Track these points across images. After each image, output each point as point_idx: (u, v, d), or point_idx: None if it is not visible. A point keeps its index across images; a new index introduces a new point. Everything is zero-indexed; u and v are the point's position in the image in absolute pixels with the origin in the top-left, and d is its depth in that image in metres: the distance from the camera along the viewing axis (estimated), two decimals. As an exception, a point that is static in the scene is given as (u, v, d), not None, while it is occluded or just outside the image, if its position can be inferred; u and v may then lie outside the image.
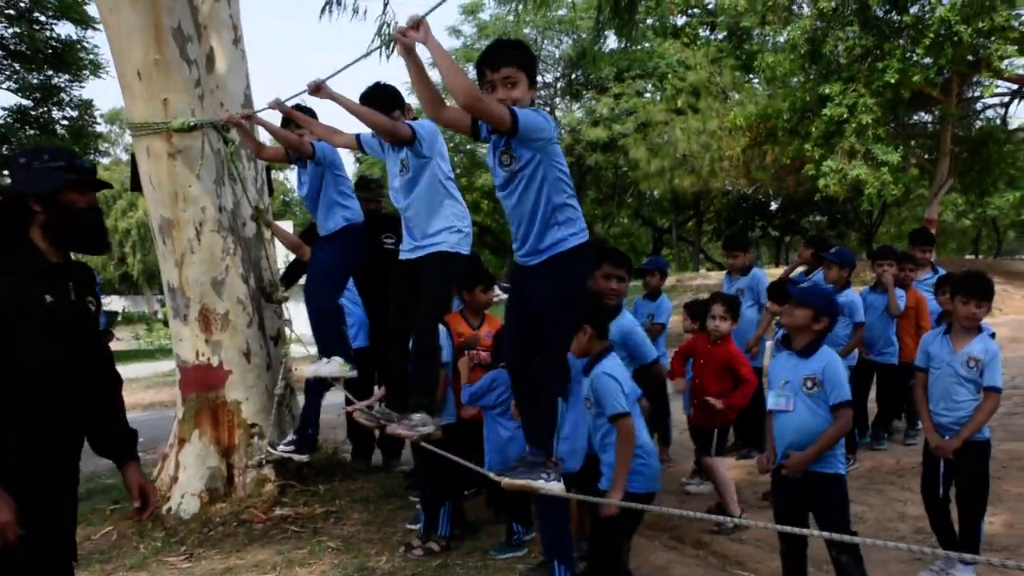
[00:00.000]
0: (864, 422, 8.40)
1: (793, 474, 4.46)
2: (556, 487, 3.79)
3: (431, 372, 4.88)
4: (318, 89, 4.98)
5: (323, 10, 6.83)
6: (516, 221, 3.91)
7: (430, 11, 3.62)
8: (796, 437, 4.48)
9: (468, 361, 5.91)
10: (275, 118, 5.99)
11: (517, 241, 3.96)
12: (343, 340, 6.16)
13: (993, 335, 5.17)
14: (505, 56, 3.87)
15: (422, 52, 3.69)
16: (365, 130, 5.13)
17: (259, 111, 6.08)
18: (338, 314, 6.16)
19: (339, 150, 5.95)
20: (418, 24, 3.55)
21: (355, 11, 6.80)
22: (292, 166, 6.32)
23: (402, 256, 5.05)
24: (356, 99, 4.99)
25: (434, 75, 4.17)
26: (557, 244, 3.84)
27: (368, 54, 4.90)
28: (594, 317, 4.63)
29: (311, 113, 5.89)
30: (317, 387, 6.68)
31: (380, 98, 5.05)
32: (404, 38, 3.70)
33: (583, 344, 4.60)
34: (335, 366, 5.89)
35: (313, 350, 6.22)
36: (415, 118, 5.20)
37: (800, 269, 8.66)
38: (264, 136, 6.74)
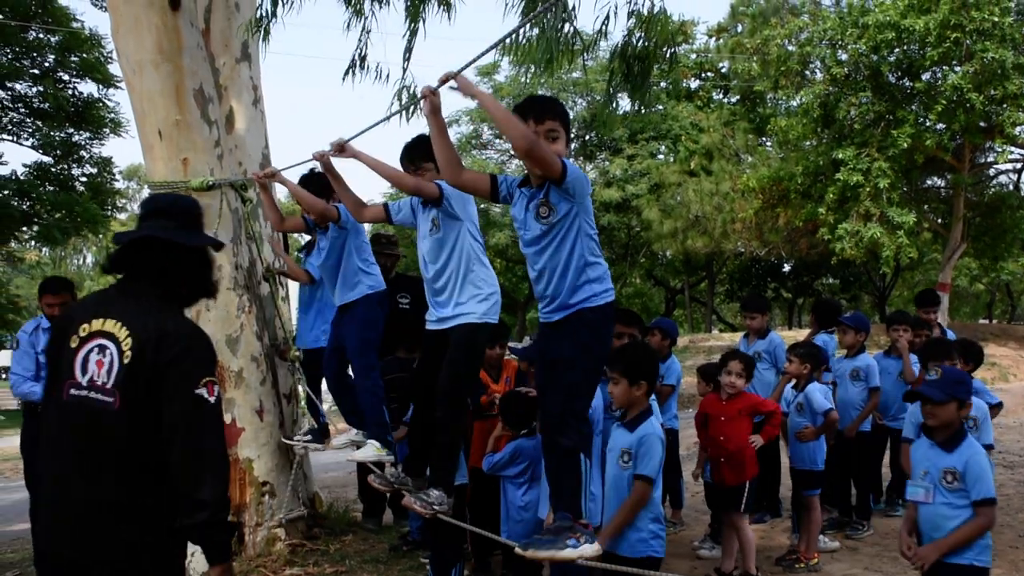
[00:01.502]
0: (878, 487, 8.33)
1: (920, 565, 4.33)
2: (588, 550, 3.58)
3: (452, 451, 4.76)
4: (342, 149, 4.89)
5: (346, 73, 6.91)
6: (547, 276, 3.81)
7: (463, 68, 3.65)
8: (931, 530, 4.34)
9: (493, 428, 5.86)
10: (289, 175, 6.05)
11: (546, 298, 3.87)
12: (381, 421, 5.75)
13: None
14: (551, 108, 3.93)
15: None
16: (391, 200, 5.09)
17: (302, 162, 5.77)
18: (376, 392, 5.78)
19: None
20: (452, 78, 3.59)
21: (378, 74, 6.86)
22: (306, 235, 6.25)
23: (428, 327, 4.85)
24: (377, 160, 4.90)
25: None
26: (587, 300, 3.78)
27: (389, 117, 4.93)
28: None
29: (326, 183, 5.45)
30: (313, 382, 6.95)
31: (415, 151, 4.90)
32: (433, 96, 3.79)
33: (634, 397, 4.65)
34: (371, 451, 5.55)
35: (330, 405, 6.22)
36: None
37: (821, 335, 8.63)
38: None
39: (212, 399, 2.88)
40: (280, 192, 6.82)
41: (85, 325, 2.90)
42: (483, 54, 3.77)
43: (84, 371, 2.84)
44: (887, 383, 7.84)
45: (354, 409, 6.05)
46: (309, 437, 6.74)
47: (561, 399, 3.77)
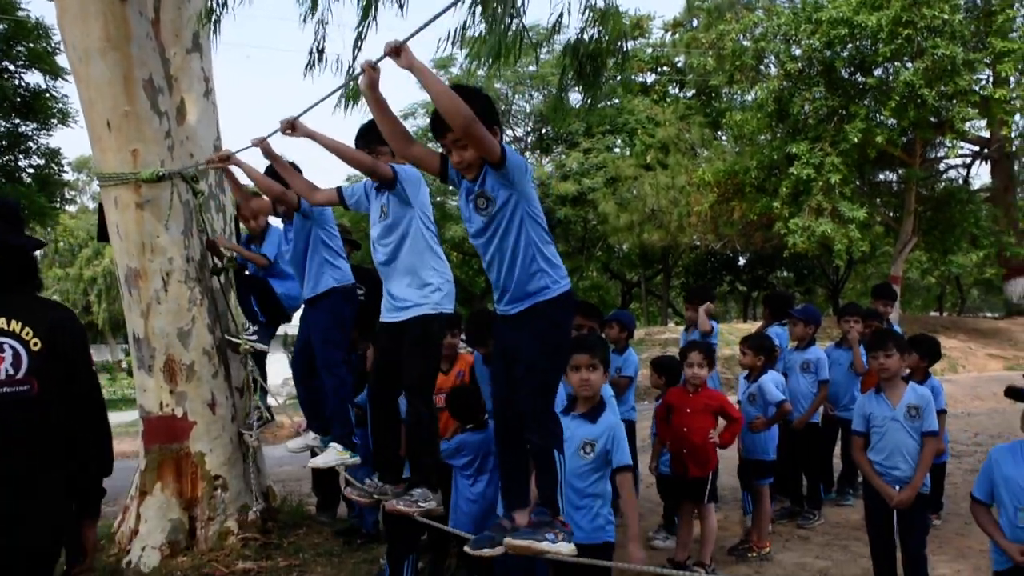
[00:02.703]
0: (829, 478, 8.43)
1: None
2: (565, 548, 3.49)
3: (429, 446, 4.62)
4: (292, 127, 4.65)
5: (307, 67, 6.85)
6: (496, 269, 3.69)
7: (410, 36, 3.45)
8: None
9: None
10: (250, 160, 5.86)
11: (498, 291, 3.75)
12: (345, 420, 5.53)
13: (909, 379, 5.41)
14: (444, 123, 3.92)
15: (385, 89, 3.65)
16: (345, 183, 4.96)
17: (241, 150, 5.66)
18: (342, 392, 5.56)
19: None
20: (399, 49, 3.41)
21: (337, 67, 6.80)
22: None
23: (383, 318, 4.68)
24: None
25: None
26: (540, 292, 3.63)
27: (333, 92, 4.81)
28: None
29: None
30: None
31: (370, 134, 4.72)
32: (371, 71, 3.67)
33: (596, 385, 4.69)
34: (333, 455, 5.29)
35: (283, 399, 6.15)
36: None
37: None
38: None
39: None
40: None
41: None
42: (424, 27, 3.54)
43: None
44: (838, 374, 7.95)
45: (318, 414, 5.83)
46: (255, 337, 7.01)
47: (528, 397, 3.64)
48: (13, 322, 3.18)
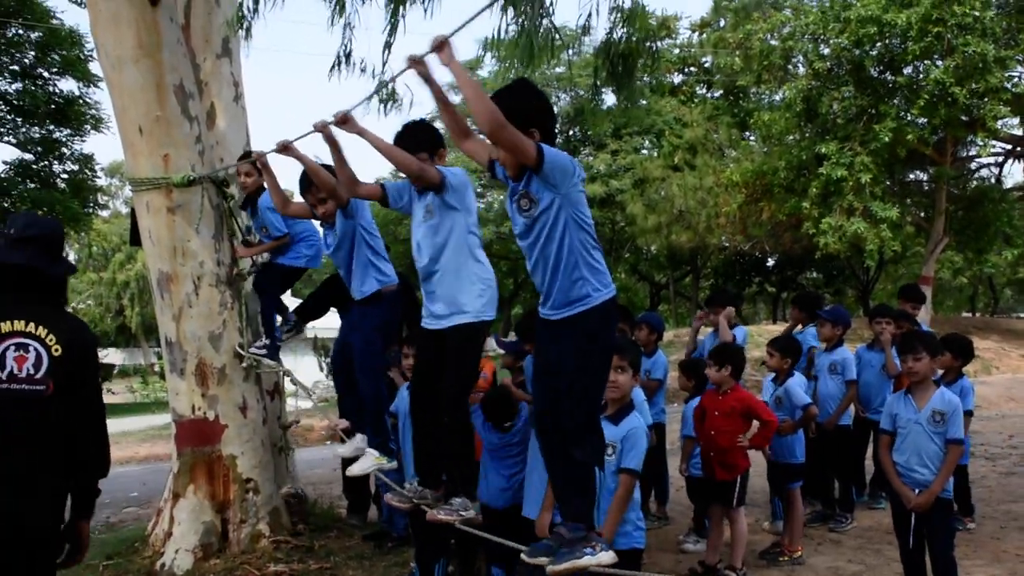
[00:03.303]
0: (861, 480, 8.36)
1: None
2: (605, 557, 3.42)
3: (468, 455, 4.54)
4: (345, 121, 4.52)
5: (332, 69, 6.89)
6: (540, 271, 3.57)
7: (455, 32, 3.46)
8: None
9: None
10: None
11: (541, 296, 3.64)
12: (382, 427, 5.45)
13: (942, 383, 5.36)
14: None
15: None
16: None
17: (300, 137, 5.31)
18: (380, 398, 5.46)
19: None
20: (442, 44, 3.40)
21: (363, 70, 6.83)
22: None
23: (424, 324, 4.56)
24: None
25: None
26: (582, 300, 3.51)
27: (368, 98, 4.76)
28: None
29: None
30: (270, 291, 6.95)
31: (409, 137, 4.62)
32: (419, 66, 3.65)
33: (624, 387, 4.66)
34: (370, 460, 5.21)
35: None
36: None
37: (798, 328, 8.64)
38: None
39: None
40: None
41: None
42: (465, 24, 3.51)
43: (3, 367, 3.37)
44: (870, 376, 7.88)
45: (354, 409, 5.74)
46: (264, 351, 6.82)
47: (569, 411, 3.53)
48: (40, 328, 3.46)
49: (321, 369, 26.37)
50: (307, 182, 5.35)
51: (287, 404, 7.87)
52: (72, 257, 58.35)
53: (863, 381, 7.78)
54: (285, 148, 5.38)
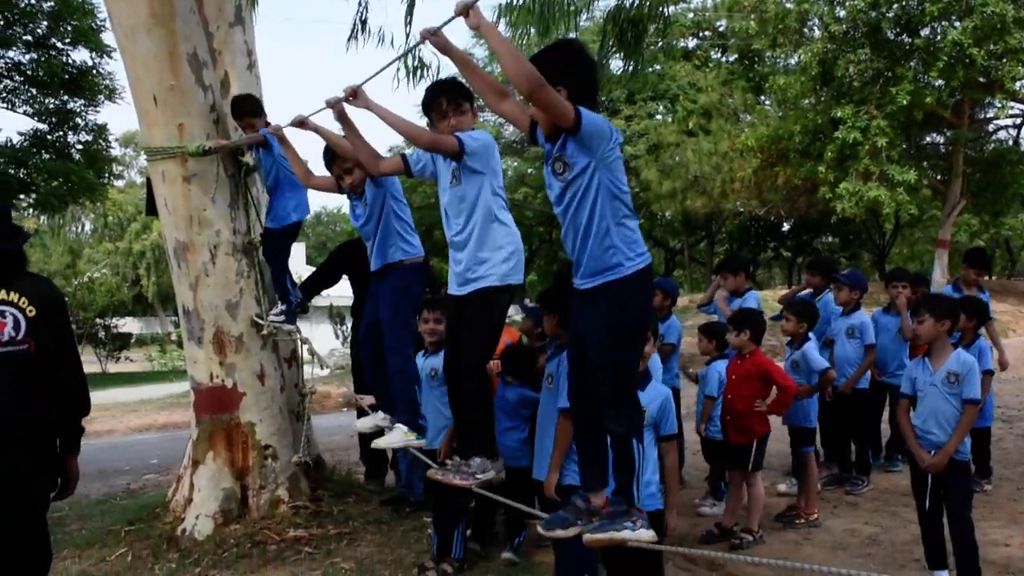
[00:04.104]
0: (877, 444, 8.39)
1: None
2: (645, 535, 3.35)
3: (485, 418, 4.46)
4: (355, 95, 4.49)
5: (349, 38, 6.84)
6: (572, 238, 3.49)
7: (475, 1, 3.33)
8: None
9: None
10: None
11: (574, 264, 3.56)
12: (411, 402, 5.28)
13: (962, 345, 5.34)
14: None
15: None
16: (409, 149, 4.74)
17: (315, 112, 5.28)
18: (409, 372, 5.34)
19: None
20: (468, 9, 3.31)
21: (380, 38, 6.78)
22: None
23: (450, 291, 4.52)
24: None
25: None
26: (613, 269, 3.41)
27: (397, 59, 4.61)
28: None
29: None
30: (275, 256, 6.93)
31: (434, 95, 4.55)
32: (434, 36, 3.58)
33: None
34: (398, 436, 5.07)
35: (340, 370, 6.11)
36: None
37: (806, 291, 8.64)
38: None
39: None
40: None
41: None
42: None
43: None
44: (886, 340, 7.88)
45: (387, 393, 5.53)
46: (282, 317, 6.87)
47: (603, 383, 3.46)
48: (13, 294, 3.90)
49: (337, 337, 26.51)
50: (331, 154, 5.29)
51: (304, 372, 7.91)
52: (88, 227, 58.61)
53: (879, 345, 7.78)
54: (301, 123, 5.37)
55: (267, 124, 6.60)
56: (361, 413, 6.72)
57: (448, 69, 3.74)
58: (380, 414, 5.44)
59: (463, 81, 4.50)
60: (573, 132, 3.31)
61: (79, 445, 4.24)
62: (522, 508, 4.52)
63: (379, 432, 5.40)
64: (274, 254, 6.96)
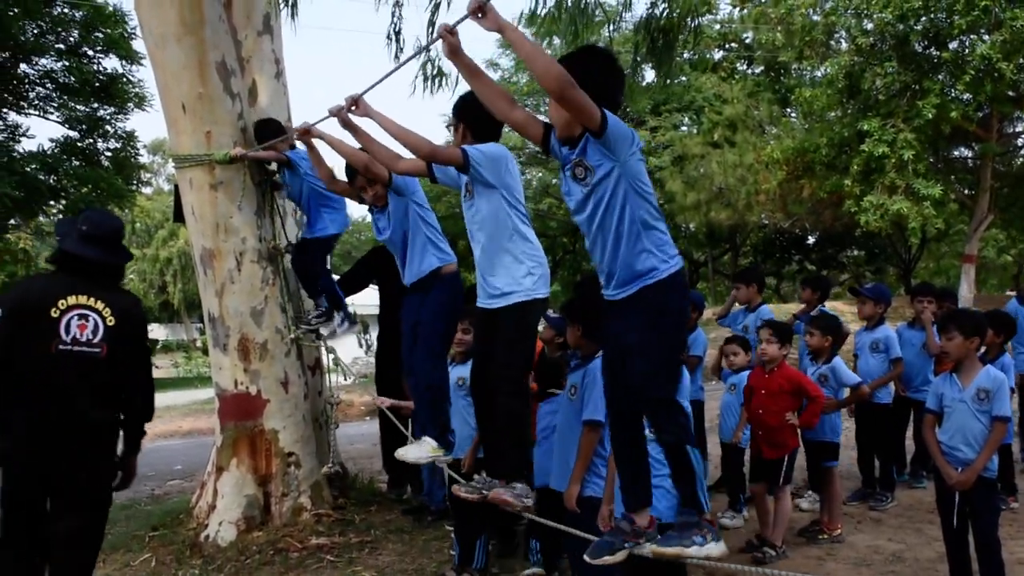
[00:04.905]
0: (902, 459, 8.32)
1: None
2: (715, 550, 3.24)
3: (521, 439, 4.38)
4: (356, 104, 4.44)
5: (390, 45, 6.90)
6: (599, 250, 3.41)
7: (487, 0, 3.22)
8: None
9: None
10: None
11: (603, 274, 3.47)
12: (443, 416, 5.06)
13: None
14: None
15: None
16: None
17: (318, 121, 5.27)
18: (442, 386, 5.11)
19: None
20: (483, 8, 3.24)
21: (416, 50, 6.82)
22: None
23: (479, 303, 4.43)
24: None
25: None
26: (647, 274, 3.33)
27: (401, 66, 4.45)
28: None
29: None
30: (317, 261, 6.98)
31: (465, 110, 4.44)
32: (450, 36, 3.49)
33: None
34: (426, 449, 4.86)
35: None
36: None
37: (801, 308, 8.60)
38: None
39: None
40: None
41: (61, 301, 4.26)
42: None
43: (67, 332, 4.25)
44: (911, 355, 7.82)
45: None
46: (323, 319, 7.03)
47: (647, 392, 3.36)
48: (100, 302, 4.35)
49: (360, 345, 26.59)
50: (351, 168, 5.24)
51: (328, 380, 7.94)
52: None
53: (904, 359, 7.72)
54: (306, 132, 5.35)
55: (292, 147, 6.67)
56: (387, 431, 6.69)
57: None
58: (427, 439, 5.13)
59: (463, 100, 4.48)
60: (598, 134, 3.24)
61: (139, 447, 4.69)
62: (586, 536, 4.34)
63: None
64: (310, 265, 7.00)
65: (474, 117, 4.08)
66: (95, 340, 4.31)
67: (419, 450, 4.88)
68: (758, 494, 6.47)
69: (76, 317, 4.27)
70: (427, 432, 4.95)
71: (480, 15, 3.27)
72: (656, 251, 3.35)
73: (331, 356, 7.21)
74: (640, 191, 3.34)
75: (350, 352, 24.91)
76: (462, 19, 3.37)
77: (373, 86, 4.53)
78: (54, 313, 4.24)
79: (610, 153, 3.28)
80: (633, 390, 3.41)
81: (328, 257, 7.21)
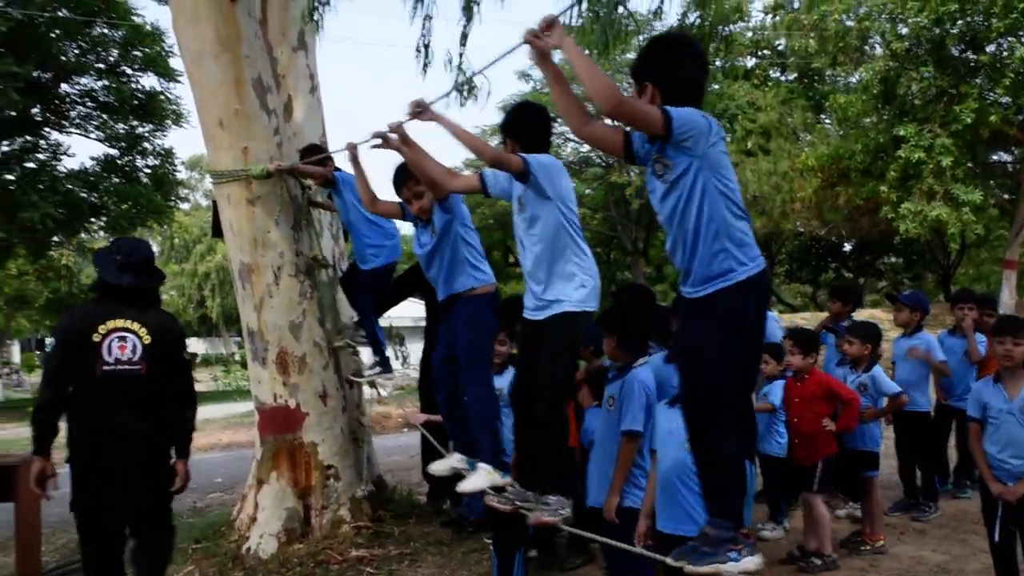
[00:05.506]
0: (944, 469, 8.21)
1: None
2: (751, 563, 3.18)
3: (561, 451, 4.36)
4: (422, 110, 4.40)
5: (419, 59, 6.95)
6: (679, 245, 3.31)
7: (564, 11, 3.32)
8: None
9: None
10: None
11: (681, 271, 3.38)
12: (492, 438, 4.94)
13: None
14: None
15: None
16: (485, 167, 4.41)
17: (379, 133, 4.93)
18: (492, 408, 5.00)
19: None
20: (551, 24, 3.23)
21: (448, 64, 6.86)
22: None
23: (525, 315, 4.40)
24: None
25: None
26: (724, 276, 3.23)
27: (506, 55, 3.97)
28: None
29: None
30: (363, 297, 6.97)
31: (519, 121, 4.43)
32: (538, 40, 3.39)
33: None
34: (483, 477, 4.69)
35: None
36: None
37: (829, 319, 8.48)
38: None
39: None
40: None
41: (101, 326, 4.63)
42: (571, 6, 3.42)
43: (109, 354, 4.62)
44: (952, 362, 7.70)
45: (465, 430, 5.18)
46: (378, 370, 6.98)
47: (713, 399, 3.29)
48: (136, 323, 4.74)
49: (396, 358, 26.67)
50: (401, 177, 5.11)
51: (364, 393, 7.97)
52: (155, 249, 59.99)
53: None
54: (422, 110, 5.17)
55: (337, 168, 6.73)
56: (428, 443, 6.72)
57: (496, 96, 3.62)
58: (456, 456, 5.14)
59: (537, 110, 4.51)
60: (666, 138, 3.17)
61: (188, 452, 5.02)
62: (644, 552, 4.13)
63: (458, 476, 5.09)
64: (360, 299, 7.05)
65: (526, 133, 4.07)
66: (135, 359, 4.68)
67: (476, 479, 4.72)
68: (806, 502, 6.41)
69: (116, 339, 4.66)
70: (482, 458, 4.84)
71: (549, 29, 3.27)
72: (736, 251, 3.25)
73: (379, 383, 7.28)
74: (721, 185, 3.24)
75: (386, 364, 24.95)
76: (540, 28, 3.35)
77: (438, 99, 4.67)
78: (96, 338, 4.62)
79: (686, 149, 3.19)
80: (702, 395, 3.34)
81: (381, 288, 7.11)
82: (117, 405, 4.62)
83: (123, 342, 4.66)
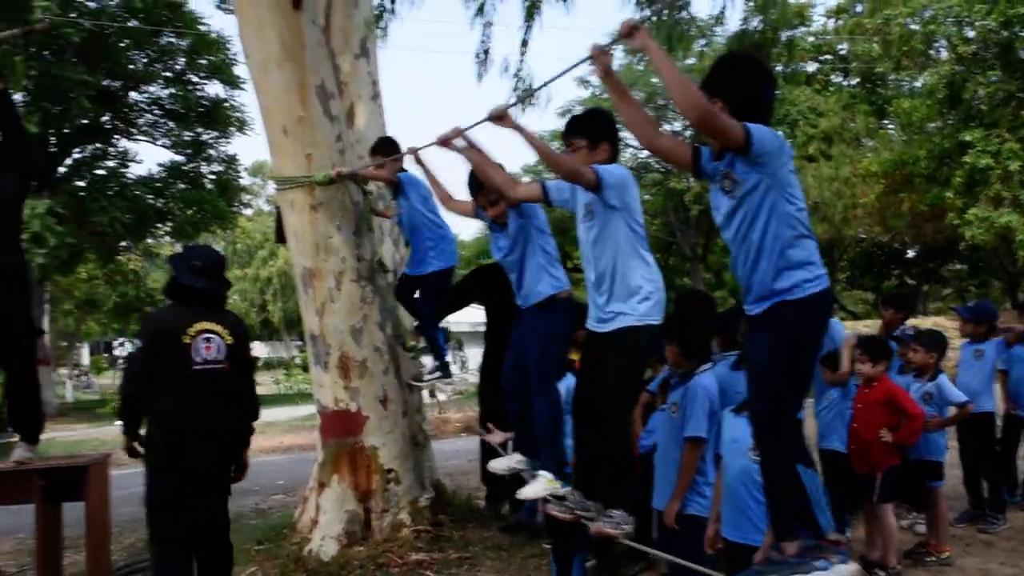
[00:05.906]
0: (1013, 480, 8.03)
1: None
2: (844, 571, 3.08)
3: (624, 467, 4.30)
4: (502, 117, 4.37)
5: (477, 67, 7.02)
6: (742, 262, 3.31)
7: (648, 17, 3.28)
8: None
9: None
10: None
11: (743, 288, 3.38)
12: (557, 447, 4.99)
13: None
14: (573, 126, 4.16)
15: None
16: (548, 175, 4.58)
17: (447, 137, 4.97)
18: (558, 416, 5.03)
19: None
20: (633, 29, 3.18)
21: (505, 68, 6.90)
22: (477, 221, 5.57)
23: (588, 326, 4.40)
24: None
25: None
26: (788, 291, 3.22)
27: (571, 69, 4.09)
28: None
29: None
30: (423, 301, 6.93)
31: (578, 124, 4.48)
32: (604, 57, 3.42)
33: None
34: (542, 484, 4.73)
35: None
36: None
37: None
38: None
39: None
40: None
41: (190, 329, 4.89)
42: (660, 11, 3.41)
43: (198, 354, 4.90)
44: (1020, 372, 7.56)
45: (529, 435, 5.19)
46: (437, 374, 6.99)
47: (764, 409, 3.29)
48: (219, 325, 5.03)
49: (454, 363, 26.78)
50: (476, 183, 5.14)
51: (424, 397, 8.02)
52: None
53: (1014, 377, 7.49)
54: (414, 151, 5.46)
55: (403, 169, 6.72)
56: (487, 447, 6.73)
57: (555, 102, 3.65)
58: (516, 456, 5.23)
59: (604, 116, 4.52)
60: (744, 152, 3.16)
61: (249, 442, 5.40)
62: (706, 572, 4.10)
63: (515, 476, 5.20)
64: (416, 303, 7.03)
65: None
66: (220, 358, 4.98)
67: (536, 487, 4.77)
68: (867, 512, 6.32)
69: (203, 340, 4.95)
70: (544, 466, 4.87)
71: (629, 35, 3.23)
72: (798, 269, 3.24)
73: (425, 386, 7.32)
74: (789, 204, 3.24)
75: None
76: (614, 40, 3.36)
77: (510, 106, 4.74)
78: (186, 339, 4.90)
79: (758, 167, 3.19)
80: (763, 408, 3.31)
81: (442, 292, 7.05)
82: (204, 402, 4.91)
83: (209, 343, 4.95)
